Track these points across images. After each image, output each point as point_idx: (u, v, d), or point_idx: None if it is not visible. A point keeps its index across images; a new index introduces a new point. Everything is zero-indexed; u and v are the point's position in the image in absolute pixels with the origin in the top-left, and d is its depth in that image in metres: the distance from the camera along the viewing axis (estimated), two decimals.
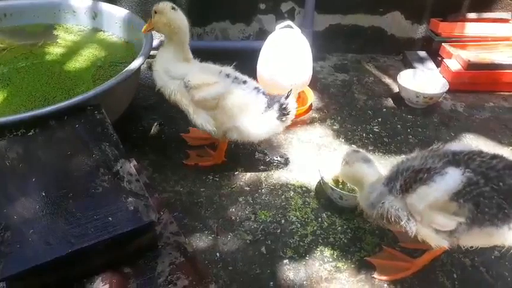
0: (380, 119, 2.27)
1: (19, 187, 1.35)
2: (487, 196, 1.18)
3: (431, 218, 1.25)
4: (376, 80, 2.64)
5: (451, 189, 1.20)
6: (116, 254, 1.34)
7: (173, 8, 1.72)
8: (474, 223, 1.21)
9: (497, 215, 1.18)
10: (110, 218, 1.30)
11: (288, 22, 2.17)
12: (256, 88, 1.74)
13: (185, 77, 1.70)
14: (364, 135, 2.16)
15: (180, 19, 1.73)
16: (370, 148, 2.07)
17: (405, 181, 1.28)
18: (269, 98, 1.73)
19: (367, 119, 2.27)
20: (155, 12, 1.75)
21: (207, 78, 1.69)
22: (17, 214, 1.27)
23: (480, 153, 1.27)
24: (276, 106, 1.70)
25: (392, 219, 1.31)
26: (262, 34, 2.74)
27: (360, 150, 1.78)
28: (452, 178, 1.21)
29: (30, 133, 1.53)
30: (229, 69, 1.76)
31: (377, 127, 2.21)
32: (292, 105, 1.71)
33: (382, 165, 1.91)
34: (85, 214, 1.30)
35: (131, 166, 1.47)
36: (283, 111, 1.69)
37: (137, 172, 1.50)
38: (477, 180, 1.19)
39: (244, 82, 1.73)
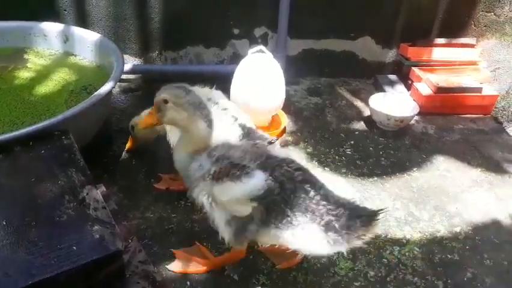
0: (352, 142, 2.29)
1: None
2: (277, 204, 1.26)
3: (231, 206, 1.32)
4: (348, 103, 2.68)
5: (251, 192, 1.26)
6: (82, 284, 1.29)
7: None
8: (264, 224, 1.29)
9: (281, 221, 1.26)
10: (74, 247, 1.26)
11: (261, 47, 2.19)
12: (234, 117, 1.63)
13: None
14: (337, 157, 2.17)
15: None
16: (343, 171, 2.08)
17: (220, 170, 1.31)
18: (247, 133, 1.59)
19: (340, 142, 2.29)
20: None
21: None
22: None
23: (290, 162, 1.34)
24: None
25: (194, 196, 1.39)
26: (237, 58, 2.76)
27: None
28: (256, 182, 1.26)
29: None
30: (213, 94, 1.72)
31: (349, 150, 2.23)
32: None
33: (355, 188, 1.93)
34: (48, 243, 1.25)
35: (98, 193, 1.43)
36: None
37: (106, 198, 1.46)
38: (274, 188, 1.26)
39: (224, 109, 1.66)
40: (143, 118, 1.55)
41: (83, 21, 2.64)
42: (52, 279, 1.19)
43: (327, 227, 1.24)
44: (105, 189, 1.71)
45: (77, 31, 2.38)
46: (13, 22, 2.42)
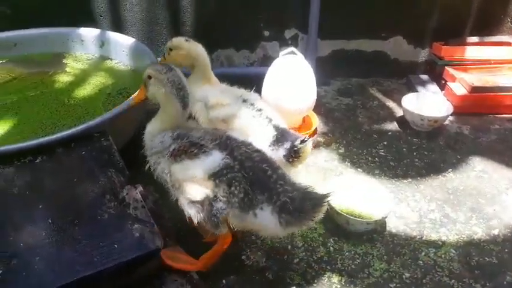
0: (385, 143, 2.27)
1: (26, 214, 1.35)
2: (238, 180, 1.29)
3: (186, 188, 1.35)
4: (380, 103, 2.65)
5: (209, 170, 1.31)
6: (122, 281, 1.33)
7: (186, 40, 1.84)
8: (229, 204, 1.31)
9: (243, 199, 1.28)
10: (115, 245, 1.30)
11: (291, 48, 2.20)
12: (268, 118, 1.66)
13: (206, 98, 1.73)
14: (370, 158, 2.15)
15: (197, 47, 1.84)
16: (376, 172, 2.06)
17: (179, 148, 1.37)
18: (280, 133, 1.61)
19: (372, 143, 2.27)
20: (171, 50, 1.86)
21: (222, 99, 1.70)
22: (24, 242, 1.27)
23: (248, 145, 1.39)
24: (287, 145, 1.57)
25: (157, 174, 1.46)
26: (267, 60, 2.78)
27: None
28: (213, 160, 1.32)
29: (38, 160, 1.54)
30: (249, 95, 1.75)
31: (382, 151, 2.21)
32: (306, 151, 1.57)
33: (389, 190, 1.92)
34: (90, 241, 1.30)
35: (137, 192, 1.48)
36: (292, 153, 1.56)
37: (144, 198, 1.50)
38: (234, 165, 1.31)
39: (259, 110, 1.68)
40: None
41: (118, 26, 2.71)
42: (95, 276, 1.24)
43: (282, 208, 1.26)
44: (143, 189, 1.75)
45: (113, 36, 2.45)
46: (52, 29, 2.51)
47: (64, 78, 2.27)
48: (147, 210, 1.43)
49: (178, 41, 1.86)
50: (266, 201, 1.28)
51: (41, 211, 1.37)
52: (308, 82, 2.19)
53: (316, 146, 2.24)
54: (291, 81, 2.15)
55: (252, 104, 1.69)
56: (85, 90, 2.16)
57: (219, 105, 1.69)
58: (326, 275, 1.55)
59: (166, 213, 1.74)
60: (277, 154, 1.58)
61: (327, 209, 1.68)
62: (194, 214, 1.37)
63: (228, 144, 1.36)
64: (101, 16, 2.69)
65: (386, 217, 1.71)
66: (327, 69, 2.85)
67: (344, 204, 1.76)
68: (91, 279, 1.23)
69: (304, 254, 1.64)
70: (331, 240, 1.70)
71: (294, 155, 1.55)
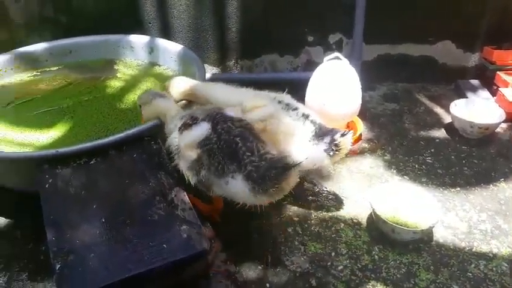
0: (432, 150, 2.22)
1: (81, 213, 1.43)
2: (214, 151, 1.46)
3: (184, 152, 1.52)
4: (427, 109, 2.59)
5: (197, 138, 1.50)
6: (170, 280, 1.38)
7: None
8: (209, 171, 1.47)
9: (217, 168, 1.44)
10: (164, 245, 1.35)
11: (336, 54, 2.20)
12: (304, 115, 1.70)
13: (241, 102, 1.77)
14: (416, 166, 2.11)
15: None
16: (423, 180, 2.02)
17: (183, 122, 1.57)
18: (319, 128, 1.67)
19: (419, 150, 2.22)
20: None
21: (258, 101, 1.75)
22: (79, 239, 1.35)
23: (237, 120, 1.53)
24: (327, 139, 1.63)
25: (170, 148, 1.61)
26: (310, 65, 2.79)
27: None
28: (200, 131, 1.51)
29: (92, 162, 1.62)
30: (283, 97, 1.79)
31: (429, 158, 2.16)
32: (346, 144, 1.62)
33: (436, 198, 1.87)
34: (141, 240, 1.36)
35: (185, 195, 1.53)
36: (333, 147, 1.61)
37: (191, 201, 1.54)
38: (212, 137, 1.48)
39: (295, 109, 1.73)
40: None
41: (165, 32, 2.80)
42: (145, 274, 1.30)
43: (248, 176, 1.39)
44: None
45: (161, 42, 2.54)
46: (104, 36, 2.63)
47: (115, 84, 2.37)
48: (194, 212, 1.47)
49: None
50: (236, 170, 1.41)
51: (95, 210, 1.44)
52: (353, 87, 2.18)
53: (361, 152, 2.22)
54: (336, 86, 2.14)
55: (287, 104, 1.74)
56: (135, 95, 2.24)
57: (256, 108, 1.72)
58: (370, 284, 1.54)
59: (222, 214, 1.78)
60: (318, 148, 1.64)
61: (372, 215, 1.69)
62: (191, 177, 1.53)
63: (215, 118, 1.53)
64: (150, 23, 2.78)
65: (433, 226, 1.67)
66: (372, 74, 2.82)
67: (389, 212, 1.73)
68: (141, 277, 1.29)
69: (348, 261, 1.62)
70: (376, 248, 1.67)
71: (334, 149, 1.61)
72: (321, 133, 1.64)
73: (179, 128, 1.57)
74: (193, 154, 1.50)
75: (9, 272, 1.61)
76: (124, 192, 1.52)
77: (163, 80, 2.40)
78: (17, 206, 1.89)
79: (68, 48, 2.59)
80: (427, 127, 2.41)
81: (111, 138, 1.67)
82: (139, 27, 2.79)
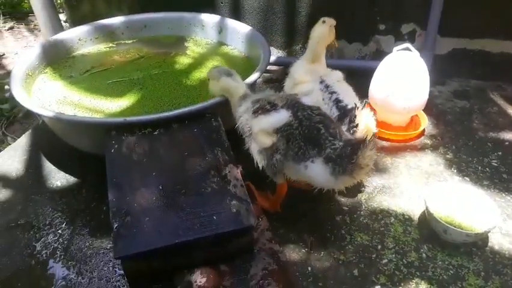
0: (500, 153, 2.10)
1: (141, 179, 1.53)
2: (294, 137, 1.50)
3: (258, 137, 1.56)
4: (500, 110, 2.44)
5: (276, 124, 1.53)
6: (215, 251, 1.45)
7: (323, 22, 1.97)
8: (286, 157, 1.52)
9: (297, 153, 1.49)
10: (214, 217, 1.42)
11: (407, 44, 2.13)
12: (336, 100, 1.78)
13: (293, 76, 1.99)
14: (480, 168, 2.01)
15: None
16: (485, 183, 1.92)
17: (259, 106, 1.59)
18: (343, 112, 1.73)
19: (485, 152, 2.11)
20: None
21: (302, 76, 1.93)
22: (137, 203, 1.45)
23: (315, 109, 1.56)
24: (347, 120, 1.67)
25: (241, 130, 1.66)
26: (379, 55, 2.71)
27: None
28: (279, 117, 1.54)
29: (156, 132, 1.72)
30: (331, 75, 1.90)
31: (495, 161, 2.05)
32: (362, 117, 1.63)
33: (497, 203, 1.78)
34: (193, 210, 1.43)
35: (238, 172, 1.58)
36: (351, 124, 1.64)
37: (243, 178, 1.60)
38: (293, 124, 1.51)
39: (331, 93, 1.81)
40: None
41: (236, 13, 2.85)
42: (194, 242, 1.37)
43: (328, 158, 1.45)
44: (242, 170, 1.86)
45: (230, 23, 2.59)
46: (177, 13, 2.74)
47: (184, 60, 2.46)
48: (245, 189, 1.52)
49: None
50: (317, 155, 1.46)
51: (154, 177, 1.54)
52: (421, 81, 2.11)
53: (422, 148, 2.15)
54: (402, 78, 2.09)
55: (327, 86, 1.84)
56: (201, 73, 2.32)
57: (301, 82, 1.92)
58: (414, 281, 1.51)
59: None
60: None
61: (425, 213, 1.65)
62: (260, 160, 1.60)
63: (294, 105, 1.56)
64: (222, 3, 2.85)
65: (489, 231, 1.60)
66: (445, 69, 2.70)
67: (444, 211, 1.68)
68: (189, 244, 1.36)
69: (394, 256, 1.61)
70: (424, 246, 1.64)
71: (352, 125, 1.63)
72: (343, 115, 1.71)
73: (255, 111, 1.59)
74: (267, 139, 1.53)
75: (72, 226, 1.77)
76: (182, 164, 1.60)
77: (230, 59, 2.46)
78: (85, 167, 2.05)
79: (143, 23, 2.72)
80: (497, 128, 2.28)
81: (175, 112, 1.76)
82: (211, 7, 2.86)
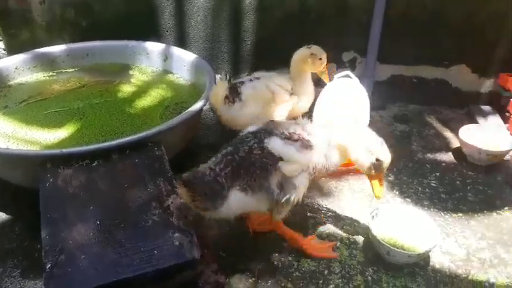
0: (438, 174, 2.19)
1: (78, 213, 1.46)
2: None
3: None
4: (437, 132, 2.56)
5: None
6: (157, 286, 1.38)
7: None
8: None
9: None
10: (155, 251, 1.37)
11: (347, 72, 2.20)
12: None
13: None
14: (420, 189, 2.08)
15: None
16: (425, 203, 1.99)
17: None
18: None
19: (424, 173, 2.19)
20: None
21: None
22: (73, 239, 1.37)
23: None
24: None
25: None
26: (322, 83, 2.78)
27: None
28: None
29: (94, 164, 1.65)
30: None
31: (434, 182, 2.13)
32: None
33: (437, 223, 1.84)
34: (133, 245, 1.37)
35: (181, 202, 1.54)
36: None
37: (187, 208, 1.56)
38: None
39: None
40: None
41: (182, 41, 2.85)
42: (133, 279, 1.31)
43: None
44: None
45: (176, 51, 2.59)
46: (121, 41, 2.70)
47: (127, 89, 2.41)
48: (189, 221, 1.48)
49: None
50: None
51: (91, 212, 1.47)
52: (361, 106, 2.17)
53: None
54: (344, 104, 2.14)
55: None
56: (145, 101, 2.29)
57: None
58: None
59: (216, 225, 1.79)
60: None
61: (369, 236, 1.67)
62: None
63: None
64: (167, 31, 2.84)
65: (429, 251, 1.64)
66: (384, 94, 2.81)
67: (387, 233, 1.71)
68: (129, 281, 1.30)
69: (340, 280, 1.61)
70: (370, 269, 1.66)
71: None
72: None
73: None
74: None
75: (2, 267, 1.64)
76: (121, 196, 1.54)
77: (175, 87, 2.44)
78: (19, 203, 1.93)
79: (85, 51, 2.66)
80: (435, 150, 2.39)
81: (114, 142, 1.70)
82: (156, 35, 2.84)
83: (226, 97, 2.02)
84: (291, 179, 1.50)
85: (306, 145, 1.52)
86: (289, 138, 1.52)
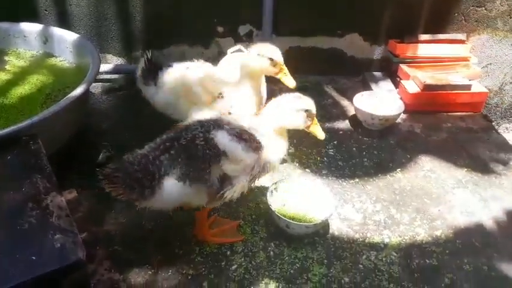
0: (335, 142, 2.25)
1: None
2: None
3: None
4: (334, 102, 2.63)
5: None
6: None
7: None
8: None
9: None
10: (34, 257, 1.23)
11: (239, 46, 2.15)
12: None
13: None
14: (319, 158, 2.13)
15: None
16: (324, 172, 2.04)
17: None
18: None
19: (322, 143, 2.24)
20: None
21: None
22: None
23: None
24: None
25: None
26: (222, 57, 2.71)
27: None
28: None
29: None
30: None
31: (332, 150, 2.19)
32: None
33: (335, 191, 1.89)
34: (7, 254, 1.22)
35: (62, 200, 1.40)
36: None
37: (75, 204, 1.43)
38: None
39: None
40: None
41: (64, 21, 2.61)
42: None
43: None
44: (76, 195, 1.68)
45: (56, 31, 2.35)
46: None
47: (1, 77, 2.15)
48: (71, 219, 1.35)
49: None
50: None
51: None
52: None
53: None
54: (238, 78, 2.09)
55: None
56: (23, 90, 2.05)
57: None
58: (264, 282, 1.52)
59: (112, 219, 1.68)
60: None
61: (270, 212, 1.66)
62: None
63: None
64: (46, 10, 2.58)
65: (326, 220, 1.68)
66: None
67: (287, 207, 1.72)
68: None
69: (243, 259, 1.59)
70: (272, 244, 1.66)
71: None
72: None
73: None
74: None
75: None
76: None
77: (58, 71, 2.22)
78: None
79: None
80: (333, 119, 2.45)
81: None
82: (35, 16, 2.57)
83: (142, 76, 1.96)
84: (231, 176, 1.43)
85: (255, 147, 1.44)
86: (238, 136, 1.42)
